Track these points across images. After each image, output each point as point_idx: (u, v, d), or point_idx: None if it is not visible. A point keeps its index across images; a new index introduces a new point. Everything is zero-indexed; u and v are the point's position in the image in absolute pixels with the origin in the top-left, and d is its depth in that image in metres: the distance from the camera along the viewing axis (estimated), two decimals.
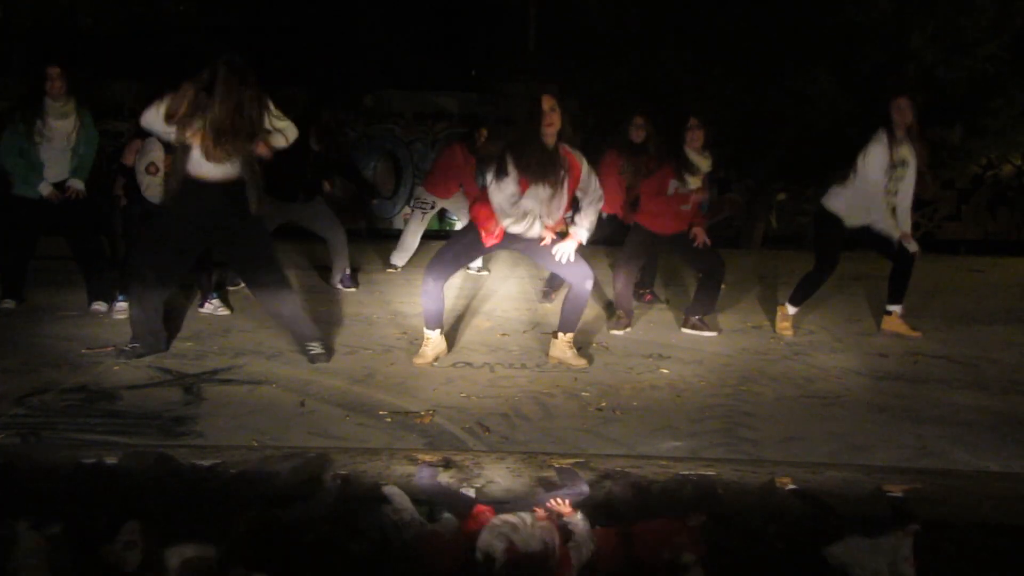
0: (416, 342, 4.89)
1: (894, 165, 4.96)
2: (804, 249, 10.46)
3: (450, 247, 4.42)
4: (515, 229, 4.24)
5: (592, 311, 5.80)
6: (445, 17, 11.77)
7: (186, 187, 4.15)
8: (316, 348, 4.41)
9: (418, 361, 4.38)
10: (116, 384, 3.93)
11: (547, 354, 4.56)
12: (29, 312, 5.25)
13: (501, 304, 6.10)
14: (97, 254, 5.52)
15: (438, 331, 4.44)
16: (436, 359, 4.43)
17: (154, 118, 4.09)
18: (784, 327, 5.33)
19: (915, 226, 11.84)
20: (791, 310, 5.33)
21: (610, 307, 5.74)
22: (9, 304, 5.27)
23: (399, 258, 7.52)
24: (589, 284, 4.37)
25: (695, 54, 9.77)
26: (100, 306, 5.38)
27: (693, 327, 5.29)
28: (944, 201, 12.17)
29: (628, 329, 5.29)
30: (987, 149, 10.99)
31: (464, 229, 4.55)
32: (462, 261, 4.59)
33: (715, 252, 5.39)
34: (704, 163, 5.21)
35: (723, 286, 6.50)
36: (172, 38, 9.93)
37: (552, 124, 4.15)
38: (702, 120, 5.23)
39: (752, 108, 9.87)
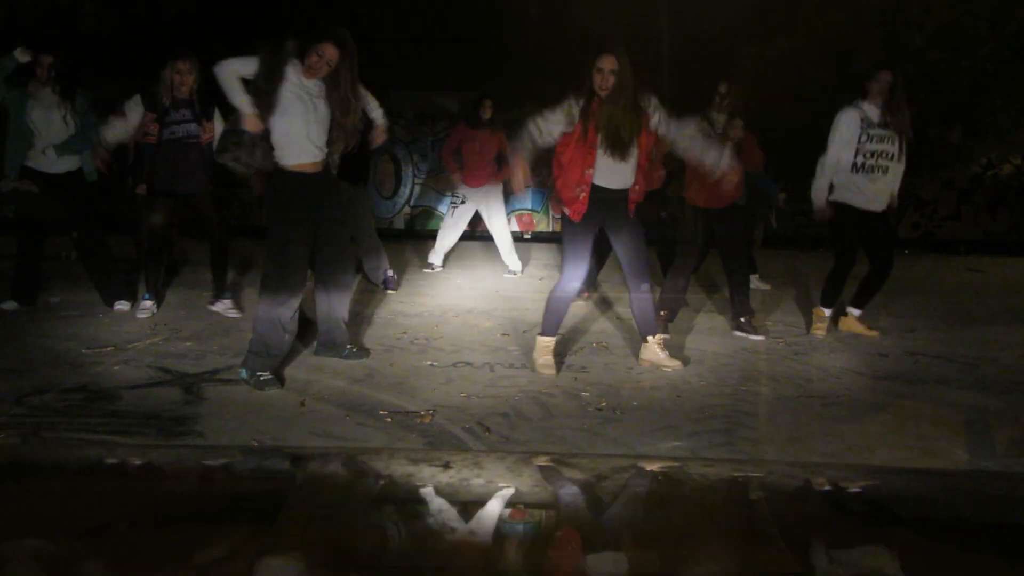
0: (417, 342, 4.90)
1: (870, 125, 4.98)
2: (804, 249, 10.47)
3: (567, 251, 4.22)
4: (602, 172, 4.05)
5: (592, 309, 5.80)
6: (445, 16, 11.76)
7: (288, 180, 4.00)
8: (352, 349, 4.44)
9: (547, 372, 4.24)
10: (116, 384, 3.93)
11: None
12: (29, 312, 5.25)
13: (501, 304, 6.10)
14: (100, 252, 5.42)
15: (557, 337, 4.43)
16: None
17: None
18: (818, 327, 5.29)
19: (915, 226, 11.89)
20: (827, 312, 5.31)
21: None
22: (10, 305, 5.27)
23: (436, 257, 7.47)
24: (645, 287, 4.28)
25: (694, 52, 9.77)
26: (123, 305, 5.33)
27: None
28: (944, 201, 12.16)
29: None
30: (987, 149, 10.99)
31: (562, 226, 4.33)
32: (583, 257, 4.23)
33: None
34: (721, 119, 5.14)
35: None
36: (172, 38, 9.94)
37: (605, 90, 3.96)
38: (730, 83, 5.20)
39: (752, 108, 9.86)
